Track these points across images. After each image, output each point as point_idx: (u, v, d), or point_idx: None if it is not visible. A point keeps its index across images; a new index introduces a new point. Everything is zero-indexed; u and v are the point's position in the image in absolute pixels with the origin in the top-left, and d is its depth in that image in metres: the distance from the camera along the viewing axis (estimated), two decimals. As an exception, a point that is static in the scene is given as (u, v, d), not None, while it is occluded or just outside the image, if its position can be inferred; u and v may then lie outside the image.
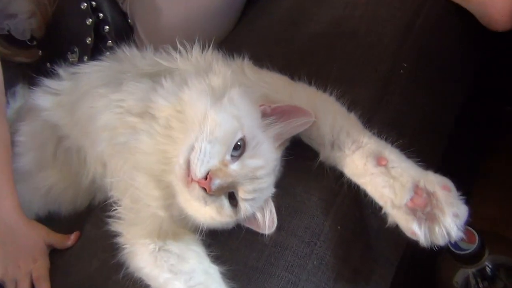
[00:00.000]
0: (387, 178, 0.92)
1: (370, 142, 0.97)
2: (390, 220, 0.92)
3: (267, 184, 0.97)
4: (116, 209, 1.06)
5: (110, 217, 1.07)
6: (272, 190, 1.01)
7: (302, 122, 0.99)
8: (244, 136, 0.93)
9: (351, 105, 1.05)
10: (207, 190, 0.87)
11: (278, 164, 1.03)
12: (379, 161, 0.94)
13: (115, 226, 1.06)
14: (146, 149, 1.00)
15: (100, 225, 1.10)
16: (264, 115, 1.01)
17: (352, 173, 0.98)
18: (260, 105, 1.02)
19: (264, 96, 1.07)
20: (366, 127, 1.02)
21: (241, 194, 0.93)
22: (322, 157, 1.03)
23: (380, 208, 0.94)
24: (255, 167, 0.93)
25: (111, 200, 1.09)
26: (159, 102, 1.01)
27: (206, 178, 0.87)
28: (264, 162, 0.95)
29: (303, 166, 1.05)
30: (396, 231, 0.92)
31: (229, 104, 0.96)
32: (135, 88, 1.08)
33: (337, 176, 1.01)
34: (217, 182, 0.87)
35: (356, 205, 1.02)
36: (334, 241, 0.99)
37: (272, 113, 1.01)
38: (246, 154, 0.93)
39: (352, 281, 0.99)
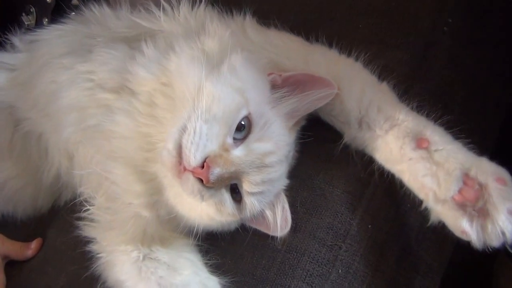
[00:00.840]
0: (429, 164, 0.92)
1: (407, 119, 0.97)
2: (433, 217, 0.92)
3: (278, 173, 0.97)
4: (87, 210, 1.07)
5: (80, 219, 1.07)
6: (284, 181, 1.01)
7: (322, 95, 0.99)
8: (249, 114, 0.93)
9: (383, 73, 1.04)
10: (204, 182, 0.87)
11: (292, 149, 1.03)
12: (419, 143, 0.94)
13: (88, 230, 1.07)
14: (124, 132, 1.00)
15: (68, 230, 1.10)
16: (274, 87, 1.01)
17: (385, 159, 0.98)
18: (268, 74, 1.02)
19: (273, 63, 1.07)
20: (403, 100, 1.01)
21: (246, 187, 0.93)
22: (347, 138, 1.02)
23: (421, 202, 0.94)
24: (264, 153, 0.93)
25: (80, 199, 1.10)
26: (139, 73, 1.01)
27: (202, 167, 0.87)
28: (274, 146, 0.95)
29: (324, 151, 1.05)
30: (441, 230, 0.92)
31: (229, 73, 0.95)
32: (108, 57, 1.08)
33: (366, 163, 1.01)
34: (216, 171, 0.87)
35: (391, 199, 1.02)
36: (364, 244, 0.99)
37: (283, 84, 1.01)
38: (252, 137, 0.93)
39: (386, 295, 1.00)
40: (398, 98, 1.00)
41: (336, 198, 1.01)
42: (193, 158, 0.86)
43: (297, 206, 1.00)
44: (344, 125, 1.02)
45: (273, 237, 0.99)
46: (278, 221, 0.98)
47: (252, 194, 0.93)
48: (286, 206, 0.99)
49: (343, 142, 1.01)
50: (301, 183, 1.02)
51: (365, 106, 0.99)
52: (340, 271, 0.96)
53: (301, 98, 0.98)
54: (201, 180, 0.87)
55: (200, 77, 0.92)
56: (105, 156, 1.03)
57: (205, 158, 0.87)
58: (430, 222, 0.92)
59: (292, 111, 0.99)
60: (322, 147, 1.04)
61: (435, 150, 0.92)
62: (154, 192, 0.99)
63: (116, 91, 1.03)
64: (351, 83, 1.01)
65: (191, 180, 0.87)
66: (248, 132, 0.92)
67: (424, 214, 0.93)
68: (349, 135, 1.01)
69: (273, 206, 0.99)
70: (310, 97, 0.98)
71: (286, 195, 1.00)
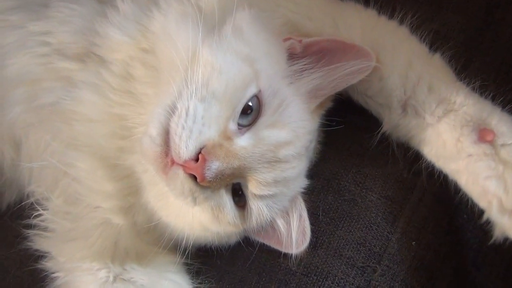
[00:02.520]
0: (494, 163, 0.93)
1: (467, 103, 0.97)
2: (498, 232, 0.93)
3: (295, 171, 0.97)
4: (39, 215, 1.06)
5: (29, 227, 1.07)
6: (303, 181, 1.01)
7: (355, 69, 0.98)
8: (259, 92, 0.92)
9: (436, 41, 1.04)
10: (199, 180, 0.86)
11: (314, 139, 1.03)
12: (482, 135, 0.94)
13: (39, 242, 1.06)
14: (91, 114, 1.00)
15: (13, 241, 1.10)
16: (292, 56, 1.00)
17: (436, 155, 0.98)
18: (285, 40, 1.01)
19: (290, 24, 1.06)
20: (461, 78, 1.00)
21: (253, 188, 0.93)
22: (386, 127, 1.03)
23: (482, 212, 0.94)
24: (277, 143, 0.93)
25: (30, 201, 1.09)
26: (111, 36, 1.01)
27: (197, 160, 0.86)
28: (291, 134, 0.94)
29: (355, 142, 1.05)
30: (508, 250, 0.93)
31: (234, 37, 0.95)
32: (71, 14, 1.07)
33: (411, 160, 1.01)
34: (215, 166, 0.86)
35: (442, 208, 1.02)
36: (406, 266, 0.99)
37: (304, 52, 1.00)
38: (262, 121, 0.92)
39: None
40: (454, 75, 1.00)
41: (371, 205, 1.01)
42: (184, 148, 0.85)
43: (319, 215, 1.01)
44: (384, 109, 1.02)
45: (286, 255, 0.99)
46: (294, 234, 0.98)
47: (261, 197, 0.93)
48: (305, 214, 0.99)
49: (381, 132, 1.01)
50: (324, 184, 1.03)
51: (411, 84, 0.99)
52: None
53: (328, 72, 0.98)
54: (194, 178, 0.86)
55: (194, 40, 0.91)
56: (64, 144, 1.03)
57: (200, 149, 0.86)
58: (493, 239, 0.92)
59: (315, 89, 0.99)
60: (353, 138, 1.05)
61: (502, 145, 0.93)
62: (129, 193, 0.99)
63: (80, 59, 1.03)
64: (394, 53, 1.01)
65: (181, 177, 0.87)
66: (257, 116, 0.92)
67: (485, 229, 0.94)
68: (390, 122, 1.02)
69: (287, 214, 0.99)
70: (340, 71, 0.98)
71: (305, 200, 1.00)
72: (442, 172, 0.98)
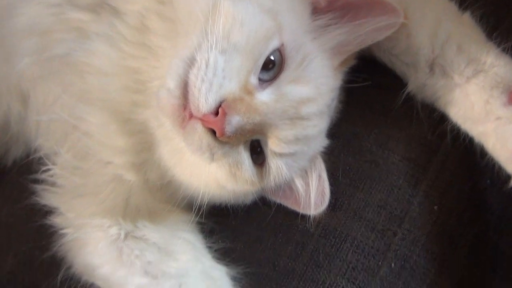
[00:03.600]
0: None
1: (497, 64, 0.95)
2: None
3: (316, 129, 0.95)
4: (48, 170, 1.04)
5: (37, 182, 1.05)
6: (323, 141, 0.99)
7: (382, 25, 0.94)
8: (282, 46, 0.89)
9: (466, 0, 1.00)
10: (218, 134, 0.83)
11: (336, 98, 1.01)
12: None
13: (48, 197, 1.04)
14: (104, 66, 0.97)
15: (19, 197, 1.09)
16: (316, 10, 0.97)
17: (464, 116, 0.96)
18: None
19: None
20: (492, 38, 0.97)
21: (273, 145, 0.90)
22: (411, 87, 1.00)
23: (508, 177, 0.92)
24: (300, 99, 0.90)
25: (37, 155, 1.07)
26: None
27: (216, 114, 0.84)
28: (314, 91, 0.92)
29: (378, 102, 1.03)
30: None
31: None
32: None
33: (436, 121, 0.99)
34: (235, 120, 0.84)
35: (466, 172, 1.01)
36: (427, 231, 0.97)
37: (329, 7, 0.97)
38: (284, 76, 0.90)
39: (454, 299, 0.98)
40: (484, 35, 0.97)
41: (393, 167, 0.99)
42: (203, 101, 0.82)
43: (339, 176, 0.99)
44: (410, 69, 1.00)
45: (303, 216, 0.98)
46: (312, 194, 0.96)
47: (281, 155, 0.91)
48: (324, 175, 0.97)
49: (406, 92, 0.99)
50: (345, 145, 1.00)
51: (440, 42, 0.96)
52: (393, 265, 0.95)
53: (353, 28, 0.95)
54: (213, 132, 0.84)
55: None
56: (75, 97, 1.00)
57: (220, 102, 0.84)
58: None
59: (339, 45, 0.96)
60: (376, 97, 1.02)
61: None
62: (142, 149, 0.97)
63: (93, 10, 0.99)
64: (422, 10, 0.98)
65: (199, 131, 0.84)
66: (280, 71, 0.89)
67: (509, 195, 0.92)
68: (416, 82, 0.99)
69: (306, 174, 0.97)
70: (365, 27, 0.94)
71: (324, 161, 0.98)
72: (467, 135, 0.96)
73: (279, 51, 0.89)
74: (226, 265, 0.97)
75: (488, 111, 0.93)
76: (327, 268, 0.95)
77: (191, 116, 0.84)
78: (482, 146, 0.94)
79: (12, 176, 1.20)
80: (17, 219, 1.13)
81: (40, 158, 1.06)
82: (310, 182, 0.97)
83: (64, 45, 1.00)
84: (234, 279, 0.96)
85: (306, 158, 0.96)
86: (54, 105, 1.04)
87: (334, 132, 1.01)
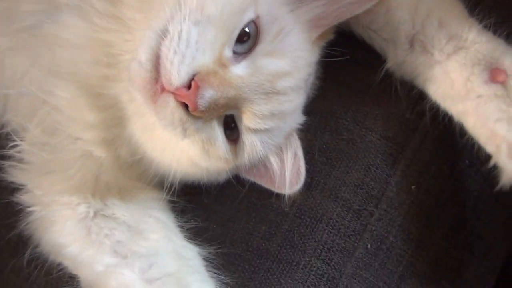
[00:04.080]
0: (505, 105, 0.89)
1: (479, 41, 0.92)
2: (505, 179, 0.88)
3: (293, 105, 0.92)
4: (15, 146, 1.01)
5: (4, 159, 1.02)
6: (299, 117, 0.97)
7: None
8: (257, 18, 0.87)
9: None
10: (191, 109, 0.81)
11: (313, 73, 0.98)
12: (494, 75, 0.90)
13: (15, 174, 1.01)
14: (74, 39, 0.94)
15: None
16: None
17: (443, 94, 0.94)
18: None
19: None
20: (473, 14, 0.95)
21: (247, 121, 0.88)
22: (390, 63, 0.98)
23: (487, 157, 0.90)
24: (276, 73, 0.88)
25: (5, 131, 1.04)
26: None
27: (189, 87, 0.81)
28: (291, 64, 0.89)
29: (356, 79, 1.01)
30: (508, 197, 0.91)
31: None
32: None
33: (415, 99, 0.97)
34: (208, 94, 0.81)
35: (444, 151, 0.99)
36: (404, 211, 0.96)
37: None
38: (260, 49, 0.87)
39: (429, 280, 0.98)
40: (467, 12, 0.95)
41: (370, 145, 0.98)
42: (176, 74, 0.80)
43: (315, 154, 0.97)
44: (389, 45, 0.98)
45: (278, 196, 0.96)
46: (287, 173, 0.95)
47: (255, 131, 0.89)
48: (300, 152, 0.95)
49: (384, 69, 0.97)
50: (321, 122, 0.99)
51: (421, 18, 0.94)
52: (369, 246, 0.95)
53: (331, 0, 0.92)
54: (185, 106, 0.81)
55: None
56: (44, 70, 0.97)
57: (193, 75, 0.81)
58: (498, 186, 0.89)
59: (317, 18, 0.93)
60: (354, 74, 1.01)
61: None
62: (113, 124, 0.94)
63: None
64: None
65: (171, 105, 0.81)
66: (255, 43, 0.87)
67: (490, 175, 0.90)
68: (395, 58, 0.97)
69: (281, 151, 0.95)
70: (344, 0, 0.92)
71: (300, 138, 0.96)
72: (447, 114, 0.94)
73: (254, 23, 0.87)
74: (198, 244, 0.95)
75: (469, 89, 0.91)
76: (301, 249, 0.94)
77: (163, 89, 0.82)
78: (462, 125, 0.93)
79: None
80: None
81: (7, 134, 1.03)
82: (285, 160, 0.95)
83: (33, 17, 0.97)
84: (206, 259, 0.94)
85: (281, 135, 0.94)
86: (23, 78, 1.01)
87: (311, 109, 0.99)
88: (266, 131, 0.90)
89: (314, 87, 1.01)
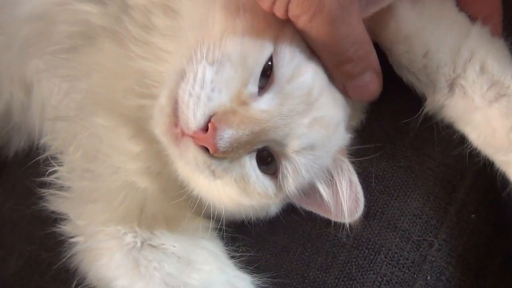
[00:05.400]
0: None
1: None
2: None
3: (331, 107, 0.89)
4: (54, 172, 0.99)
5: (43, 186, 1.00)
6: (343, 134, 0.94)
7: None
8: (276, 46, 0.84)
9: None
10: (211, 151, 0.79)
11: None
12: None
13: (55, 202, 1.00)
14: (110, 64, 0.93)
15: (20, 192, 1.08)
16: None
17: (484, 142, 0.91)
18: None
19: None
20: None
21: (288, 146, 0.86)
22: (429, 107, 0.95)
23: None
24: (308, 89, 0.85)
25: (43, 156, 1.02)
26: None
27: (207, 129, 0.79)
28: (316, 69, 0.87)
29: (412, 103, 0.96)
30: None
31: None
32: None
33: (456, 143, 0.94)
34: (227, 134, 0.78)
35: (503, 177, 0.94)
36: (463, 241, 0.94)
37: None
38: (282, 74, 0.85)
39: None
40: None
41: (429, 173, 0.95)
42: (192, 117, 0.79)
43: (371, 182, 0.95)
44: (428, 89, 0.95)
45: (335, 225, 0.94)
46: (345, 200, 0.92)
47: (297, 153, 0.86)
48: (355, 178, 0.92)
49: (423, 113, 0.94)
50: (377, 148, 0.95)
51: (462, 61, 0.91)
52: (429, 277, 0.92)
53: None
54: (207, 149, 0.79)
55: None
56: (82, 95, 0.96)
57: (210, 116, 0.80)
58: None
59: None
60: (409, 99, 0.97)
61: None
62: (158, 158, 0.91)
63: (101, 2, 0.94)
64: (446, 24, 0.94)
65: (192, 149, 0.81)
66: (272, 72, 0.84)
67: None
68: (433, 103, 0.94)
69: (332, 177, 0.93)
70: None
71: (356, 165, 0.93)
72: (490, 160, 0.92)
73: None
74: (251, 274, 0.94)
75: (511, 140, 0.88)
76: (360, 281, 0.92)
77: (183, 133, 0.81)
78: (505, 175, 0.91)
79: (14, 169, 1.18)
80: (22, 217, 1.09)
81: (46, 159, 1.01)
82: (339, 187, 0.92)
83: (69, 39, 0.97)
84: (259, 288, 0.92)
85: (326, 155, 0.90)
86: (60, 104, 1.00)
87: (366, 135, 0.97)
88: (311, 147, 0.86)
89: (365, 109, 0.99)
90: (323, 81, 0.89)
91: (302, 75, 0.85)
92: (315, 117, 0.85)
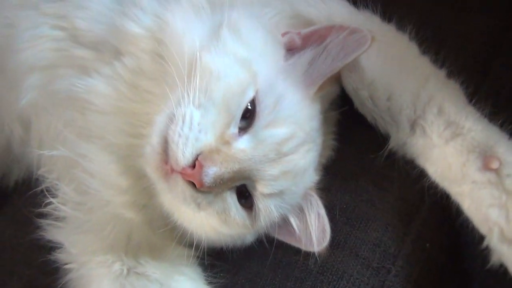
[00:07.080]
0: (498, 192, 0.90)
1: (475, 129, 0.94)
2: (495, 258, 0.90)
3: (302, 162, 0.92)
4: (50, 203, 1.01)
5: (41, 217, 1.02)
6: (313, 176, 0.97)
7: (354, 40, 0.92)
8: (256, 92, 0.88)
9: (450, 61, 1.01)
10: (198, 186, 0.83)
11: (320, 127, 0.98)
12: (488, 162, 0.91)
13: (51, 232, 1.02)
14: (103, 105, 0.96)
15: (20, 220, 1.07)
16: (291, 50, 0.96)
17: (441, 176, 0.96)
18: (283, 35, 0.97)
19: (290, 17, 1.03)
20: (471, 102, 0.98)
21: (259, 187, 0.89)
22: (392, 144, 1.00)
23: (481, 238, 0.91)
24: (279, 141, 0.89)
25: (41, 187, 1.04)
26: (127, 28, 0.95)
27: (194, 166, 0.83)
28: (292, 127, 0.90)
29: (373, 141, 1.02)
30: (502, 277, 0.89)
31: (231, 39, 0.90)
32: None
33: (415, 177, 0.98)
34: (212, 171, 0.83)
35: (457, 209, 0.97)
36: (419, 267, 0.97)
37: (304, 43, 0.96)
38: (260, 122, 0.88)
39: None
40: (466, 99, 0.98)
41: (388, 206, 0.99)
42: (181, 156, 0.83)
43: (336, 214, 0.98)
44: (392, 127, 0.99)
45: (302, 253, 0.96)
46: (313, 232, 0.95)
47: (269, 196, 0.89)
48: (322, 212, 0.95)
49: (387, 149, 0.99)
50: (342, 183, 0.99)
51: (422, 103, 0.96)
52: None
53: (321, 50, 0.93)
54: (193, 184, 0.83)
55: (196, 40, 0.88)
56: (76, 133, 0.98)
57: (197, 155, 0.83)
58: (490, 264, 0.90)
59: (311, 72, 0.94)
60: (371, 136, 1.02)
61: (508, 175, 0.90)
62: (145, 192, 0.94)
63: (96, 48, 0.98)
64: (406, 70, 1.00)
65: (180, 184, 0.84)
66: (254, 116, 0.88)
67: (484, 254, 0.91)
68: (396, 140, 0.99)
69: (303, 211, 0.96)
70: (334, 47, 0.92)
71: (322, 198, 0.96)
72: (445, 192, 0.96)
73: (253, 100, 0.88)
74: None
75: (465, 174, 0.92)
76: None
77: (172, 170, 0.84)
78: (459, 206, 0.94)
79: (15, 199, 1.18)
80: (21, 244, 1.10)
81: (42, 191, 1.03)
82: (309, 220, 0.95)
83: (66, 81, 0.99)
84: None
85: (295, 196, 0.94)
86: (56, 139, 1.01)
87: (331, 170, 1.00)
88: (280, 193, 0.90)
89: (333, 147, 1.02)
90: (303, 135, 0.92)
91: (279, 127, 0.89)
92: (284, 170, 0.89)
